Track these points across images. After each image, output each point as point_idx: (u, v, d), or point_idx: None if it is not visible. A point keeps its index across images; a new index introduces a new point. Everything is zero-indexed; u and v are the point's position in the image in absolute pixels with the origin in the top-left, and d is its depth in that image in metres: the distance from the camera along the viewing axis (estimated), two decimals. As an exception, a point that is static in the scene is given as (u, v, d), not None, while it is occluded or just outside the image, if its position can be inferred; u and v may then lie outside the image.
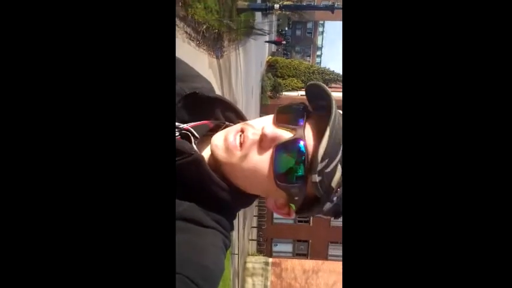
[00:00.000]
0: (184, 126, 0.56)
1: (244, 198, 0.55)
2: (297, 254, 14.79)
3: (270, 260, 13.44)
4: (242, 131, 0.51)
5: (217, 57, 5.95)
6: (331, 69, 19.40)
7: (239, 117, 0.62)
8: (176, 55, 0.51)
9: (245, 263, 12.52)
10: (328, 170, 0.47)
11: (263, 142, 0.49)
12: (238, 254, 9.69)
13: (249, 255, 13.15)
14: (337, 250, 14.07)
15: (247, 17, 8.75)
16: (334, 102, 0.47)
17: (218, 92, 0.71)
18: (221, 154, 0.51)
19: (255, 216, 14.03)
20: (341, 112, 0.49)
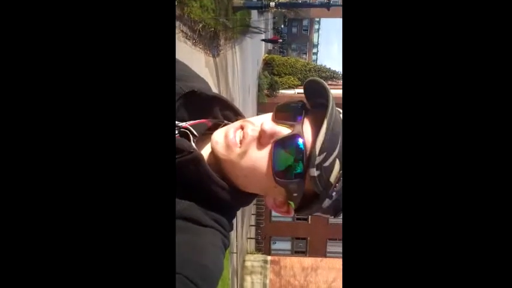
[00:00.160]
0: (183, 124, 0.56)
1: (243, 197, 0.55)
2: (296, 252, 14.83)
3: (269, 258, 13.46)
4: (242, 127, 0.51)
5: (213, 56, 5.94)
6: (327, 66, 19.44)
7: (237, 115, 0.62)
8: (173, 54, 0.51)
9: (244, 261, 12.54)
10: (327, 164, 0.47)
11: (262, 138, 0.49)
12: (236, 253, 9.71)
13: (247, 253, 13.16)
14: (335, 247, 14.11)
15: (243, 15, 8.74)
16: (332, 97, 0.47)
17: (215, 90, 0.71)
18: (221, 151, 0.51)
19: (253, 214, 14.05)
20: (340, 110, 0.50)
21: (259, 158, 0.50)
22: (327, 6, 9.17)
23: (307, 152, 0.48)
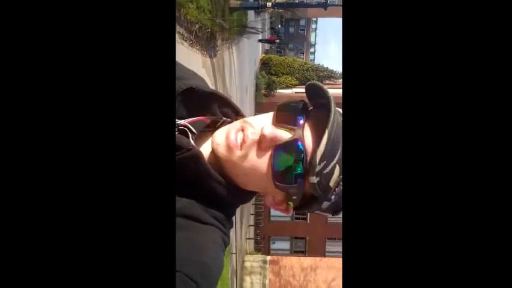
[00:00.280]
0: (182, 122, 0.56)
1: (242, 195, 0.55)
2: (295, 252, 14.83)
3: (268, 258, 13.46)
4: (242, 129, 0.51)
5: (210, 57, 5.93)
6: (325, 66, 19.45)
7: (236, 112, 0.62)
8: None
9: (243, 261, 12.53)
10: (326, 170, 0.47)
11: (262, 143, 0.49)
12: (236, 253, 9.70)
13: (246, 254, 13.15)
14: (334, 246, 14.12)
15: (239, 16, 8.73)
16: (333, 102, 0.47)
17: (213, 89, 0.70)
18: (222, 152, 0.51)
19: (252, 214, 14.04)
20: (340, 111, 0.50)
21: (260, 161, 0.50)
22: (324, 6, 9.18)
23: (307, 158, 0.48)
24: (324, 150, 0.46)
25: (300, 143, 0.48)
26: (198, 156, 0.50)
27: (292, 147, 0.49)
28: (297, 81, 17.95)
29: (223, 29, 6.74)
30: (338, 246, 13.98)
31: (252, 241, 14.26)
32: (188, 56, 4.72)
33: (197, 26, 4.92)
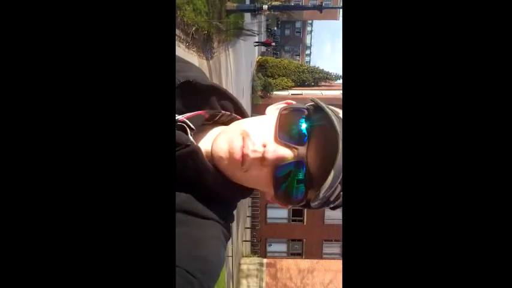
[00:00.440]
0: (180, 118, 0.55)
1: (242, 190, 0.55)
2: (292, 254, 14.81)
3: (265, 260, 13.43)
4: (243, 143, 0.49)
5: (207, 59, 5.93)
6: (321, 67, 19.52)
7: (235, 105, 0.61)
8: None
9: (239, 264, 12.50)
10: (328, 194, 0.47)
11: (265, 161, 0.49)
12: (232, 256, 9.67)
13: (243, 256, 13.12)
14: (331, 248, 14.13)
15: (236, 18, 8.75)
16: (340, 135, 0.44)
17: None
18: (223, 165, 0.51)
19: (248, 216, 14.02)
20: (338, 110, 0.49)
21: (262, 176, 0.50)
22: (319, 8, 9.23)
23: (311, 176, 0.48)
24: (329, 186, 0.45)
25: (303, 165, 0.48)
26: (196, 152, 0.49)
27: (295, 168, 0.48)
28: (293, 83, 18.00)
29: (220, 31, 6.75)
30: (335, 248, 13.99)
31: (249, 243, 14.23)
32: (185, 58, 4.70)
33: (194, 28, 4.92)
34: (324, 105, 0.48)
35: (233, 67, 9.14)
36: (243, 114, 0.62)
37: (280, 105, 0.58)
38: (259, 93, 15.51)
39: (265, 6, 8.95)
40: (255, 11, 8.95)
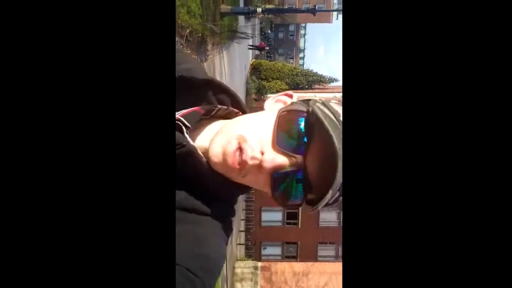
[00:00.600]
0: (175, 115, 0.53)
1: (241, 188, 0.54)
2: (286, 257, 14.79)
3: (259, 264, 13.38)
4: (240, 149, 0.48)
5: (201, 61, 5.91)
6: (314, 70, 19.65)
7: (232, 98, 0.59)
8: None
9: (234, 268, 12.44)
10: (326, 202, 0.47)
11: (263, 168, 0.48)
12: (226, 260, 9.62)
13: (237, 260, 13.07)
14: (326, 251, 14.15)
15: (230, 21, 8.75)
16: (340, 152, 0.42)
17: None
18: (220, 169, 0.50)
19: (242, 220, 13.98)
20: (336, 108, 0.47)
21: (260, 181, 0.50)
22: (313, 11, 9.27)
23: (309, 183, 0.48)
24: (328, 200, 0.45)
25: (301, 173, 0.47)
26: (193, 152, 0.49)
27: (293, 177, 0.48)
28: (287, 86, 18.10)
29: (214, 34, 6.74)
30: (330, 251, 14.02)
31: (243, 247, 14.18)
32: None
33: (188, 31, 4.89)
34: (323, 118, 0.45)
35: (227, 70, 9.13)
36: (240, 107, 0.60)
37: (280, 97, 0.56)
38: (254, 96, 15.54)
39: (259, 9, 8.96)
40: (249, 14, 8.96)
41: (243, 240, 14.28)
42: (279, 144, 0.48)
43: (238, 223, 13.13)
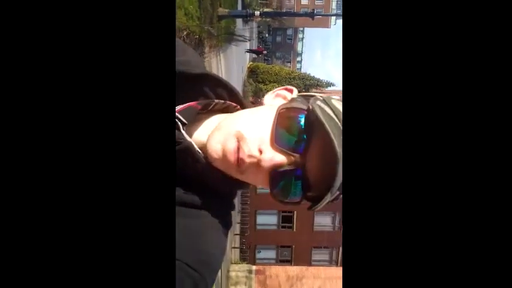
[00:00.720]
0: None
1: (240, 183, 0.54)
2: (281, 261, 14.75)
3: (254, 267, 13.33)
4: (238, 147, 0.47)
5: (198, 63, 5.90)
6: (311, 74, 19.69)
7: (229, 91, 0.58)
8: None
9: (228, 271, 12.37)
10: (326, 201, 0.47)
11: (261, 167, 0.47)
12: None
13: (232, 263, 13.01)
14: (320, 255, 14.13)
15: (227, 24, 8.76)
16: (340, 154, 0.42)
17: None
18: (219, 165, 0.50)
19: (237, 223, 13.93)
20: (336, 107, 0.47)
21: (259, 179, 0.49)
22: (311, 15, 9.30)
23: (308, 181, 0.47)
24: (328, 201, 0.45)
25: (299, 172, 0.47)
26: (189, 148, 0.49)
27: (291, 175, 0.47)
28: (284, 90, 18.09)
29: (211, 36, 6.73)
30: (324, 255, 14.00)
31: (238, 250, 14.12)
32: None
33: (185, 33, 4.89)
34: (323, 119, 0.44)
35: (224, 72, 9.12)
36: (238, 100, 0.59)
37: (280, 91, 0.55)
38: (250, 99, 15.55)
39: (257, 13, 8.99)
40: (247, 17, 8.97)
41: (237, 244, 14.22)
42: (277, 142, 0.47)
43: (233, 226, 13.08)
